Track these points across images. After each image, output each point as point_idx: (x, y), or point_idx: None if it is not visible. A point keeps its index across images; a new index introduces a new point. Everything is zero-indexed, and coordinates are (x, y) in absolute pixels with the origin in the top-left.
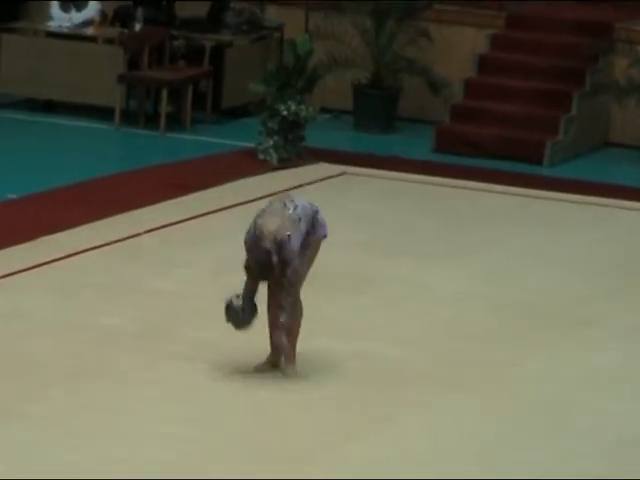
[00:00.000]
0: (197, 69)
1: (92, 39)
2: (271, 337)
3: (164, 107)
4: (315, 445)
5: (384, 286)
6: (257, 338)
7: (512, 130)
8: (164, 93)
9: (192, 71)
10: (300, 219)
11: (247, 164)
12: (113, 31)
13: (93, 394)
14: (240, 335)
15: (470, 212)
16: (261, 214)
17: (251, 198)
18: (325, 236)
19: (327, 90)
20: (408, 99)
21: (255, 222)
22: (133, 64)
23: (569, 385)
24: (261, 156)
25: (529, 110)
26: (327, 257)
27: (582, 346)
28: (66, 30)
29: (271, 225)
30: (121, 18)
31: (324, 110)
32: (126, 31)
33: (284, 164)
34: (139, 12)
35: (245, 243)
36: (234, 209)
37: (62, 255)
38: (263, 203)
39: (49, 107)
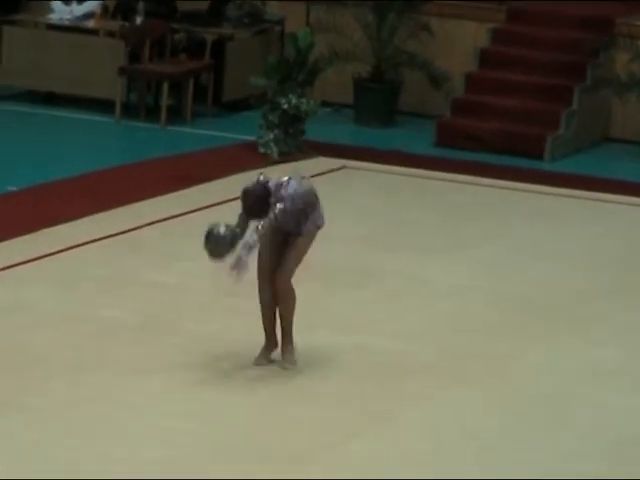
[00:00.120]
0: (198, 62)
1: (93, 32)
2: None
3: (165, 100)
4: (315, 444)
5: (385, 280)
6: (258, 331)
7: (513, 124)
8: (165, 86)
9: (193, 64)
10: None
11: (247, 157)
12: (114, 24)
13: (93, 387)
14: (241, 328)
15: (470, 206)
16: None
17: None
18: (319, 227)
19: (328, 84)
20: (409, 93)
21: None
22: (134, 57)
23: (569, 378)
24: (262, 149)
25: (530, 104)
26: (328, 251)
27: (582, 340)
28: (67, 23)
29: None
30: (122, 11)
31: (325, 104)
32: (127, 24)
33: (284, 157)
34: (140, 5)
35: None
36: (235, 202)
37: (63, 247)
38: None
39: (50, 99)
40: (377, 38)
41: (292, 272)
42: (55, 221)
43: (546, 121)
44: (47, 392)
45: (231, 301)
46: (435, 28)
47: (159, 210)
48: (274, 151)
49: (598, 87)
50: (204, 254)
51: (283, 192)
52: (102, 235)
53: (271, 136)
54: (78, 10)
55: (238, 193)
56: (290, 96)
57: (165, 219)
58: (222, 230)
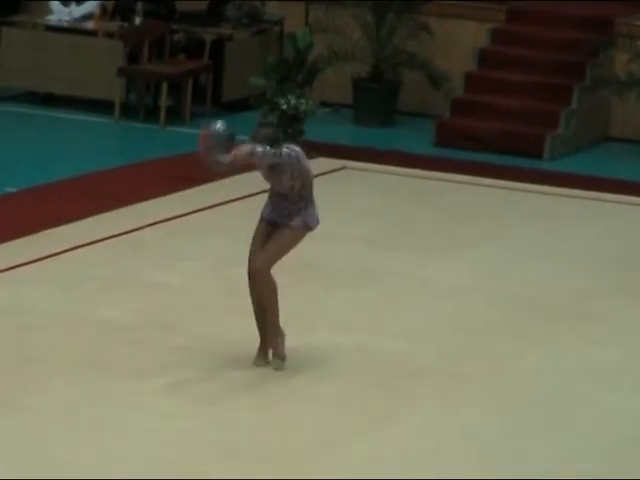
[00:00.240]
0: (197, 63)
1: (92, 33)
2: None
3: (164, 101)
4: (315, 444)
5: (384, 280)
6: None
7: (512, 124)
8: (164, 87)
9: (192, 65)
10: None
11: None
12: (113, 25)
13: (93, 387)
14: (242, 329)
15: (470, 206)
16: None
17: (251, 192)
18: (310, 228)
19: (327, 84)
20: (408, 93)
21: None
22: (133, 58)
23: (569, 378)
24: None
25: (529, 104)
26: (328, 251)
27: (582, 340)
28: (65, 24)
29: None
30: (121, 12)
31: (324, 104)
32: (126, 25)
33: None
34: (139, 6)
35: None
36: (235, 203)
37: (64, 248)
38: (264, 197)
39: (49, 100)
40: (376, 38)
41: (269, 263)
42: (56, 222)
43: (545, 121)
44: (47, 392)
45: (231, 301)
46: (435, 28)
47: (159, 211)
48: None
49: (597, 87)
50: (205, 254)
51: (292, 153)
52: (103, 236)
53: None
54: (77, 11)
55: (239, 194)
56: (289, 96)
57: (166, 220)
58: (221, 127)
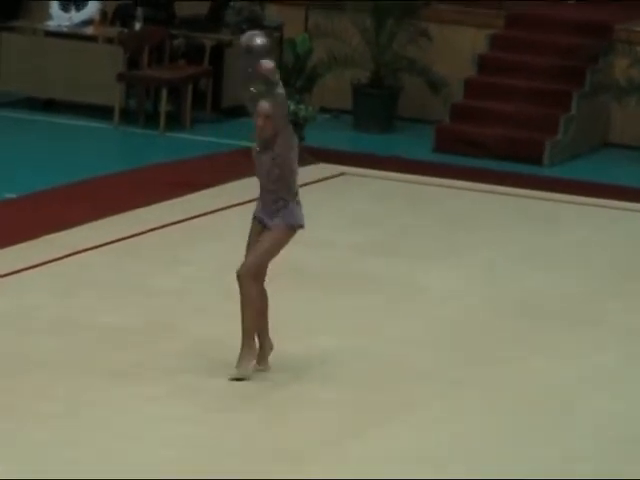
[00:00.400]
0: (197, 68)
1: (92, 38)
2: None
3: (164, 106)
4: (315, 444)
5: (384, 286)
6: None
7: (512, 130)
8: (164, 92)
9: (192, 70)
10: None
11: (247, 164)
12: (113, 30)
13: (94, 392)
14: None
15: (469, 212)
16: None
17: (251, 198)
18: (293, 227)
19: (327, 89)
20: (408, 99)
21: None
22: (133, 63)
23: (569, 383)
24: None
25: (529, 110)
26: (327, 257)
27: (581, 346)
28: (65, 29)
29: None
30: (121, 17)
31: (323, 110)
32: (126, 30)
33: None
34: (139, 11)
35: None
36: (235, 208)
37: (64, 253)
38: None
39: (49, 106)
40: (376, 43)
41: (251, 269)
42: (56, 227)
43: (545, 126)
44: (49, 397)
45: (231, 306)
46: (434, 34)
47: (159, 216)
48: None
49: (597, 92)
50: (204, 259)
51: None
52: (103, 241)
53: None
54: (77, 17)
55: (239, 199)
56: (288, 102)
57: (165, 225)
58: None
